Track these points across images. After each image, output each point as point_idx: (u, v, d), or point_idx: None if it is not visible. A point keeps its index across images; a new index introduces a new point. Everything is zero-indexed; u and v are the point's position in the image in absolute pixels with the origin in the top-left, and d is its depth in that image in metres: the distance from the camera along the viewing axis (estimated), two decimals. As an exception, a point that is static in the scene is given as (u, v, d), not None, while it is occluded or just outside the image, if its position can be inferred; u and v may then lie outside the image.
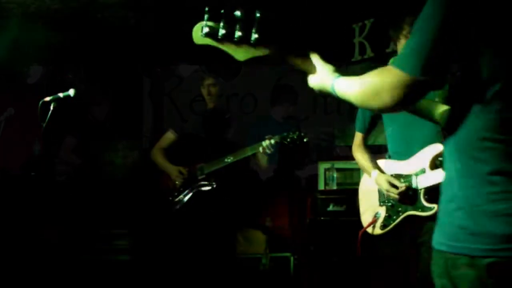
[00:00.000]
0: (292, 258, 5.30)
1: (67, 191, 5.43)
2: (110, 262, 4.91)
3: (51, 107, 3.47)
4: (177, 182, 3.94)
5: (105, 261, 4.91)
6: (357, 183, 5.37)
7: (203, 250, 3.85)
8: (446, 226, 1.43)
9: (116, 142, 5.85)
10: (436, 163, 2.81)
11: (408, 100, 1.43)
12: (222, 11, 1.73)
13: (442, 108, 1.79)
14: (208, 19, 1.76)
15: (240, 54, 1.78)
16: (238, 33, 1.73)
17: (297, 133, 3.55)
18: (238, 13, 1.72)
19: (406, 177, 2.95)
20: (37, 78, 5.05)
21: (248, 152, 3.72)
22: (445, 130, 1.49)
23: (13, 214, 4.86)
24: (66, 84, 3.39)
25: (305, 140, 3.53)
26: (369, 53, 4.83)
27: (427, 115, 1.79)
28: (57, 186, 5.15)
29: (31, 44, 5.07)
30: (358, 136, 3.32)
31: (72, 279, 4.78)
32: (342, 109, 5.96)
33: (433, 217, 2.12)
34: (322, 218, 4.98)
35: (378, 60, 4.73)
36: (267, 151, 3.58)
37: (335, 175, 5.40)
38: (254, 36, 1.74)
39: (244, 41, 1.75)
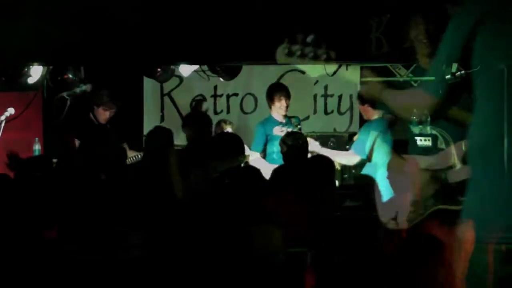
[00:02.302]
0: (308, 254, 5.30)
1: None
2: (119, 261, 4.93)
3: (68, 103, 3.52)
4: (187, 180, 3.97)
5: (113, 260, 4.92)
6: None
7: (216, 247, 3.86)
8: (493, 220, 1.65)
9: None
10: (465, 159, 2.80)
11: (435, 114, 1.99)
12: (298, 37, 2.22)
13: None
14: (288, 42, 2.24)
15: (314, 70, 2.39)
16: (311, 54, 2.22)
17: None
18: (309, 38, 2.22)
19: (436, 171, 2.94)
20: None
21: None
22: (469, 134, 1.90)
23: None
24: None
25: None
26: (385, 48, 4.82)
27: (460, 122, 2.25)
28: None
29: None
30: None
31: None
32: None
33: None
34: (338, 213, 4.99)
35: (395, 56, 4.72)
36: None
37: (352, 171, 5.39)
38: (323, 55, 2.22)
39: (316, 58, 2.22)
